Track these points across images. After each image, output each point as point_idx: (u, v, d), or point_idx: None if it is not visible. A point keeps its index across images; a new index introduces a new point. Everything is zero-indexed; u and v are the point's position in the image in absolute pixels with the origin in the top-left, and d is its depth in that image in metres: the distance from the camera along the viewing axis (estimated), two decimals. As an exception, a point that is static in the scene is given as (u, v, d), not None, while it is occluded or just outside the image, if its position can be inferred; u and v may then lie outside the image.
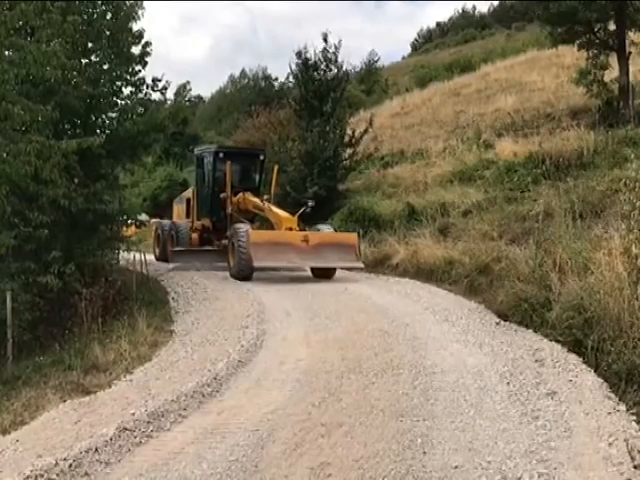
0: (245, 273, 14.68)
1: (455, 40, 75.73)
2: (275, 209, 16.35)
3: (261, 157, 19.20)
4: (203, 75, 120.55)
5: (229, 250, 15.51)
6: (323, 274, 15.22)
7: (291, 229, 15.19)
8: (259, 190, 18.60)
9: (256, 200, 17.10)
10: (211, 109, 70.40)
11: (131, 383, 7.64)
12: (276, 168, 18.60)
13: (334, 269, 15.26)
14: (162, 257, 19.63)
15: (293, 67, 24.05)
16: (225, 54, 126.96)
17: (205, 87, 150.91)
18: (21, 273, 10.49)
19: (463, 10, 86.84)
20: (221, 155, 18.28)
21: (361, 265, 15.16)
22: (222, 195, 17.62)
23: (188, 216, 19.85)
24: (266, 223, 17.30)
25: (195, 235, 18.78)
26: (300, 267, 15.77)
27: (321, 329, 9.74)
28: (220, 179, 18.12)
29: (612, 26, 21.09)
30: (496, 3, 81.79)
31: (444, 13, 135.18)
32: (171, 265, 17.40)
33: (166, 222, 21.02)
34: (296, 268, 15.85)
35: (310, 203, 16.69)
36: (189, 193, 20.36)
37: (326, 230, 15.84)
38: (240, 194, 17.63)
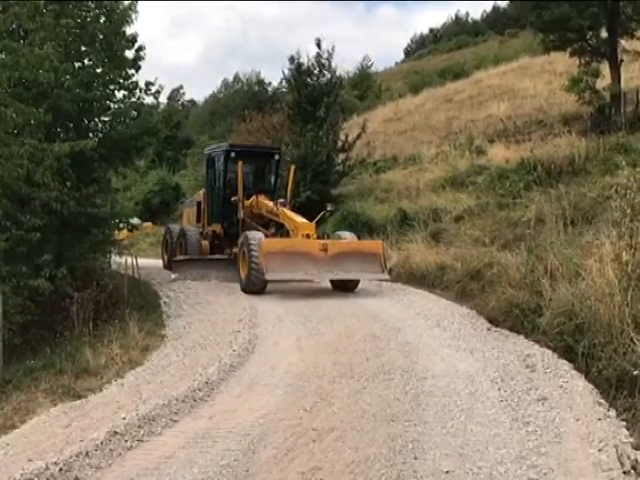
0: (256, 286, 13.36)
1: (448, 46, 76.19)
2: (290, 214, 14.81)
3: (276, 156, 17.45)
4: (194, 78, 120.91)
5: (239, 260, 14.16)
6: (344, 287, 13.80)
7: (308, 236, 13.66)
8: (274, 193, 17.05)
9: (270, 204, 15.62)
10: (204, 113, 70.45)
11: (122, 387, 7.62)
12: (293, 168, 17.09)
13: (356, 281, 13.87)
14: (170, 265, 17.70)
15: (286, 72, 24.13)
16: (216, 58, 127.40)
17: (196, 90, 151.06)
18: (12, 276, 10.46)
19: (456, 16, 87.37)
20: (233, 155, 16.64)
21: (387, 277, 13.82)
22: (233, 199, 16.18)
23: (199, 221, 18.27)
24: (282, 229, 15.67)
25: (205, 242, 17.29)
26: (318, 279, 14.27)
27: (313, 334, 9.75)
28: (232, 181, 16.64)
29: (604, 33, 21.25)
30: (489, 10, 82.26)
31: (433, 19, 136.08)
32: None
33: (175, 227, 19.27)
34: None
35: (329, 207, 15.79)
36: (200, 196, 18.67)
37: (348, 237, 14.32)
38: (253, 197, 16.18)
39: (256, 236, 13.69)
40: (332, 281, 14.09)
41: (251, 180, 17.24)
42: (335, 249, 13.37)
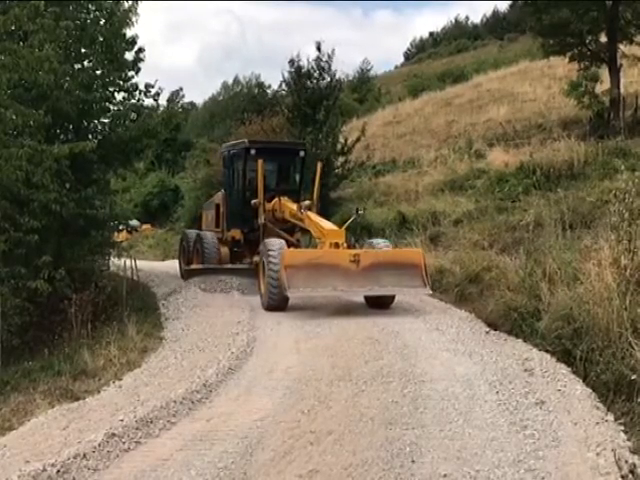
0: (276, 303, 11.75)
1: (448, 50, 76.41)
2: (317, 219, 13.02)
3: (301, 153, 15.75)
4: (192, 81, 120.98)
5: (259, 271, 12.62)
6: (378, 303, 12.01)
7: (337, 245, 11.93)
8: (299, 194, 15.46)
9: (294, 207, 13.82)
10: (204, 116, 70.41)
11: (120, 389, 7.61)
12: (320, 166, 15.25)
13: (392, 296, 12.03)
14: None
15: (286, 75, 24.20)
16: (214, 61, 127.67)
17: (195, 93, 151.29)
18: (11, 278, 10.46)
19: (456, 20, 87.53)
20: (252, 152, 14.95)
21: (429, 291, 11.76)
22: (253, 201, 14.67)
23: (218, 225, 16.55)
24: (308, 235, 14.41)
25: (225, 249, 15.70)
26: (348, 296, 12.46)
27: (311, 337, 9.73)
28: (252, 181, 15.11)
29: (604, 38, 21.33)
30: (489, 14, 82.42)
31: (430, 23, 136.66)
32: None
33: (191, 232, 17.67)
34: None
35: (360, 211, 14.03)
36: (219, 197, 16.98)
37: (382, 246, 12.48)
38: (275, 199, 14.65)
39: (276, 245, 12.11)
40: (366, 297, 12.31)
41: (273, 180, 15.79)
42: (368, 260, 11.56)
